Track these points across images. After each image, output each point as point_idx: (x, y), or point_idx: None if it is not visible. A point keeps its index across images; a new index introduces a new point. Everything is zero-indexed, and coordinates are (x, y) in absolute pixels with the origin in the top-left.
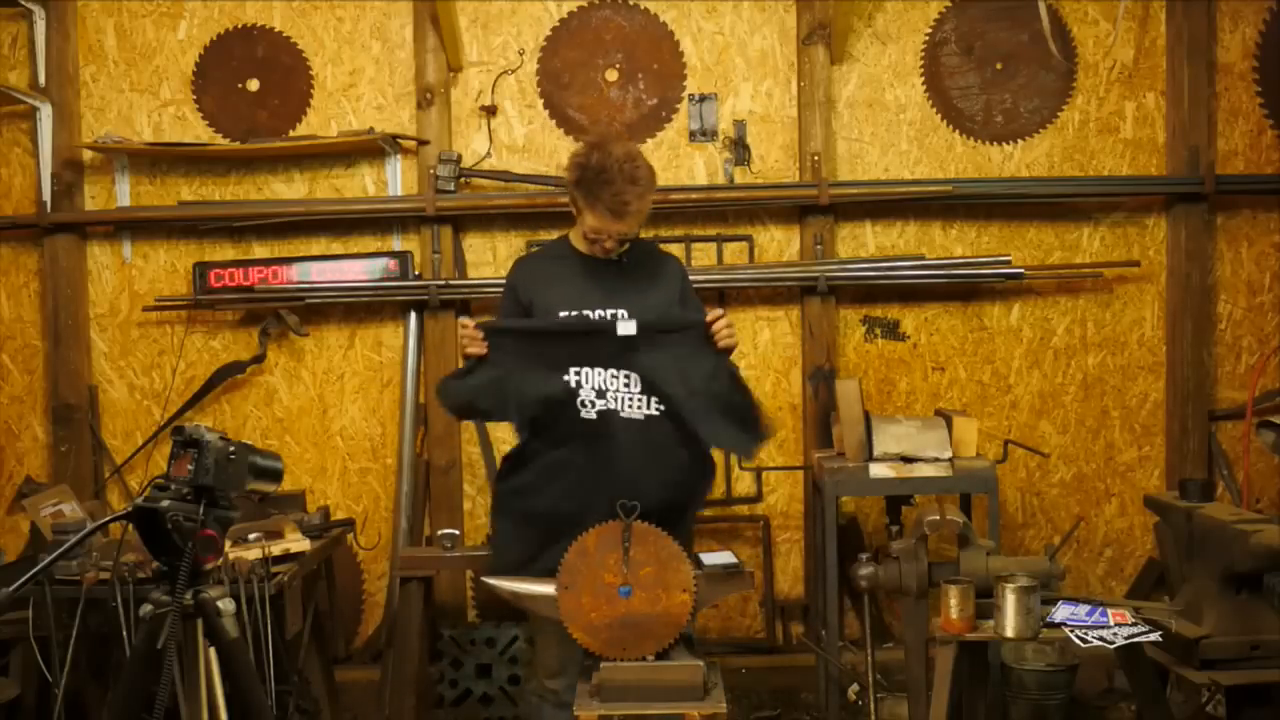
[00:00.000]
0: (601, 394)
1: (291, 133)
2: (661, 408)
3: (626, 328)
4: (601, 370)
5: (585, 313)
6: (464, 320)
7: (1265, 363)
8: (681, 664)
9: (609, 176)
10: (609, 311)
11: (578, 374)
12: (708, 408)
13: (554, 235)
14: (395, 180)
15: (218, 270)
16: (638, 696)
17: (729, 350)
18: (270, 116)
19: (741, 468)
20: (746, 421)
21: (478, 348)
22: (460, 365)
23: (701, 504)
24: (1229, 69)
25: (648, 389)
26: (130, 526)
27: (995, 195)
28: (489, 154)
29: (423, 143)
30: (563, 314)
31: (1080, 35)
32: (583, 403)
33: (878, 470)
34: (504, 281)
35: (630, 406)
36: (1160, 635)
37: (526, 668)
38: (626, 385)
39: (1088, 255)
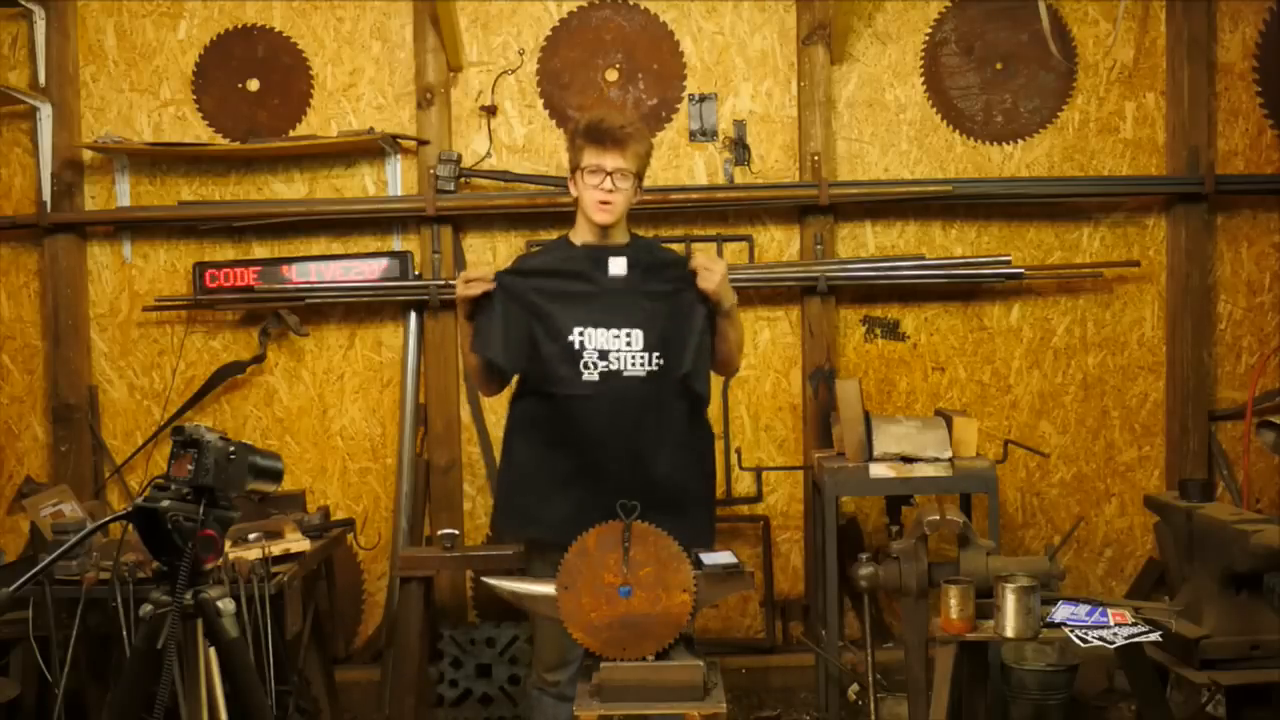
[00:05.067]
0: (604, 355)
1: (291, 133)
2: (662, 362)
3: (617, 266)
4: (604, 330)
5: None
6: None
7: (1265, 363)
8: (681, 664)
9: (603, 113)
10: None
11: (581, 334)
12: (694, 360)
13: (554, 235)
14: (395, 180)
15: (217, 270)
16: (638, 696)
17: (715, 296)
18: (270, 116)
19: (742, 468)
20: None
21: (481, 284)
22: (462, 320)
23: (710, 450)
24: (1229, 69)
25: (649, 345)
26: (130, 526)
27: (995, 195)
28: (489, 154)
29: (423, 143)
30: None
31: (1080, 35)
32: (585, 365)
33: (878, 470)
34: None
35: (633, 365)
36: (1160, 635)
37: (527, 666)
38: (629, 344)
39: (1088, 255)
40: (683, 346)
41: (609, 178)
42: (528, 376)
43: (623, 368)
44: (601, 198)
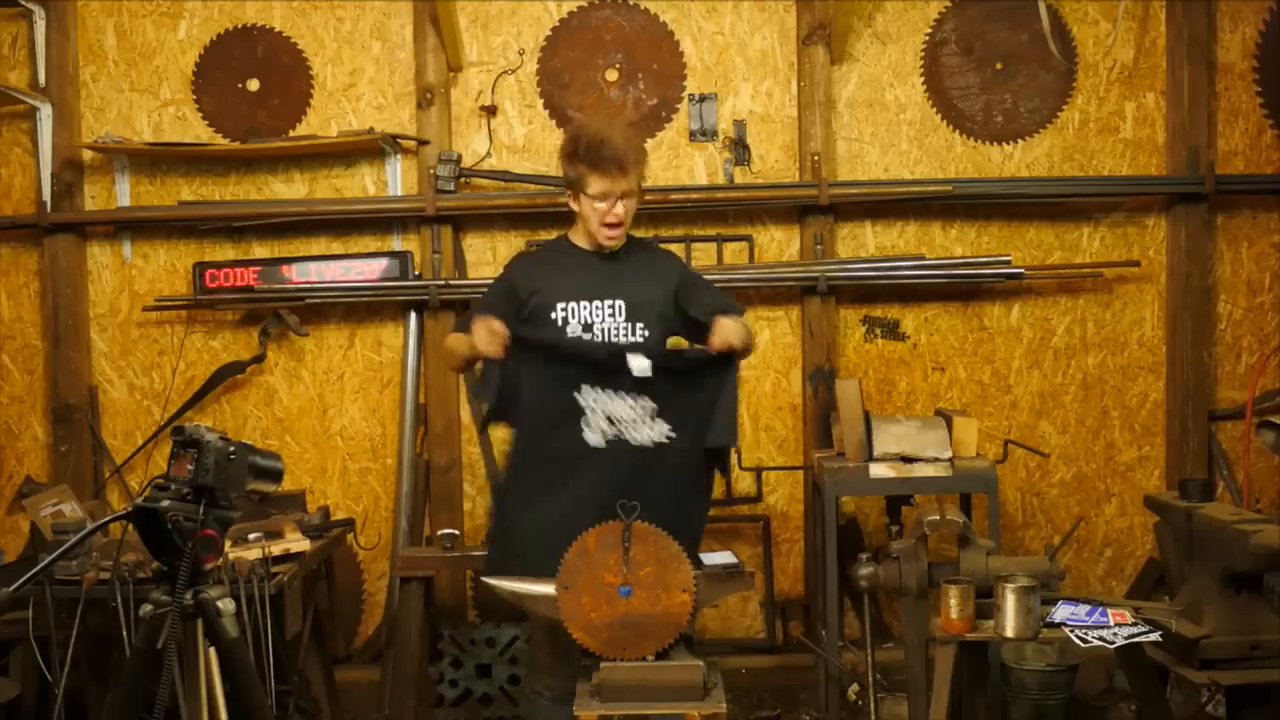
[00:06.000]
0: (612, 420)
1: (291, 133)
2: (672, 435)
3: (640, 367)
4: (614, 394)
5: (584, 303)
6: (495, 325)
7: (1265, 363)
8: (681, 664)
9: (606, 135)
10: (608, 302)
11: (592, 395)
12: (716, 421)
13: (554, 235)
14: (395, 180)
15: (217, 270)
16: (638, 696)
17: (743, 353)
18: (270, 116)
19: (742, 468)
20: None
21: (496, 349)
22: (475, 363)
23: (701, 527)
24: (1229, 69)
25: (660, 414)
26: (130, 526)
27: (995, 195)
28: (489, 154)
29: (423, 143)
30: (560, 305)
31: (1080, 35)
32: (591, 427)
33: (878, 470)
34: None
35: (640, 433)
36: (1160, 635)
37: (527, 667)
38: (640, 411)
39: (1088, 255)
40: (715, 415)
41: (618, 201)
42: (530, 432)
43: (629, 435)
44: (611, 220)
